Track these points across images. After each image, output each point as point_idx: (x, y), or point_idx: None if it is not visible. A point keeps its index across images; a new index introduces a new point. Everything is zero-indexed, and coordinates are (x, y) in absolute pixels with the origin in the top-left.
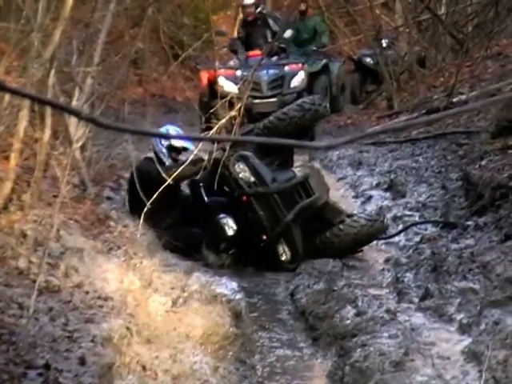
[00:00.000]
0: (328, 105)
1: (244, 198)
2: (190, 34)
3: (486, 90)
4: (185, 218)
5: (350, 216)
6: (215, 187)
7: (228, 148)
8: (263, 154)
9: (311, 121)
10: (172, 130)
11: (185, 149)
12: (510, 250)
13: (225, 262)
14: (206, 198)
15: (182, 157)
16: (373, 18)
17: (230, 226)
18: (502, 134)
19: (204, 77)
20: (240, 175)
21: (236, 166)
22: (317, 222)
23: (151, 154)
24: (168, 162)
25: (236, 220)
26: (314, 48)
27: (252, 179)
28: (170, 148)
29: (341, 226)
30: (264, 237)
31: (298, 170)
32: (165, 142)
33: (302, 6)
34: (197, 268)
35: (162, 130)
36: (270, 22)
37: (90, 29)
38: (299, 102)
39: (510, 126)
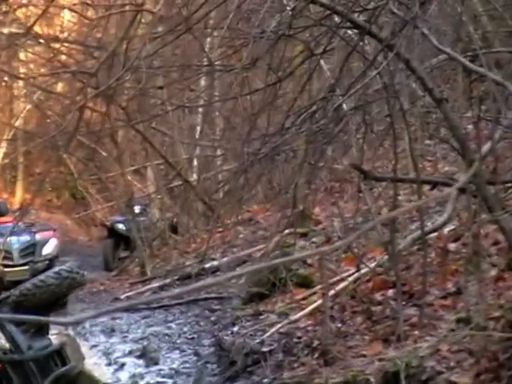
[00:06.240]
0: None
1: None
2: None
3: (238, 256)
4: None
5: None
6: None
7: None
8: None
9: (69, 289)
10: None
11: None
12: None
13: None
14: None
15: None
16: (125, 185)
17: None
18: (253, 299)
19: None
20: None
21: None
22: None
23: None
24: None
25: None
26: None
27: (7, 346)
28: None
29: None
30: None
31: (55, 337)
32: None
33: None
34: None
35: None
36: None
37: None
38: (57, 269)
39: (260, 291)
